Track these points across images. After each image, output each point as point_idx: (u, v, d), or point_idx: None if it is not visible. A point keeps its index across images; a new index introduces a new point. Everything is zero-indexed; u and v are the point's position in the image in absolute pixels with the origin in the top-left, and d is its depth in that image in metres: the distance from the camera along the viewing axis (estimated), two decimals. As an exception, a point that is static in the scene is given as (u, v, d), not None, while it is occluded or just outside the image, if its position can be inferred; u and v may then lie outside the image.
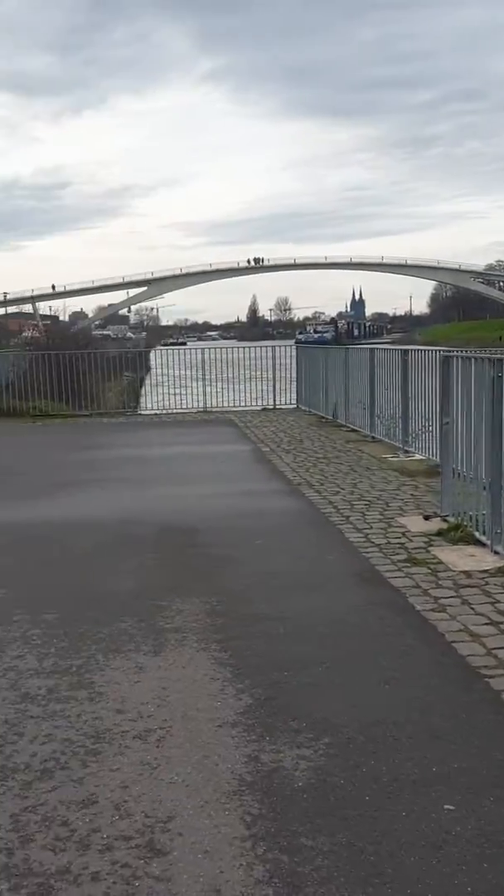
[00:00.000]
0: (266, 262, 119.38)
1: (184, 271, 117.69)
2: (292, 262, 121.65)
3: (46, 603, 5.07)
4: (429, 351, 10.49)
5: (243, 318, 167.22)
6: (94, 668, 4.04)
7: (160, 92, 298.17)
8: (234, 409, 17.98)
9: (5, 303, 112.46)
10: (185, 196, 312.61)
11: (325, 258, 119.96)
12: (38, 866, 2.53)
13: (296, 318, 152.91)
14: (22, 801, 2.89)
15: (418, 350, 11.39)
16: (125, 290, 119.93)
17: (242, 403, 18.35)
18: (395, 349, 12.76)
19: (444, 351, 8.13)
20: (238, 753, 3.19)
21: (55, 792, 2.95)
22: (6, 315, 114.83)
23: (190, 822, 2.74)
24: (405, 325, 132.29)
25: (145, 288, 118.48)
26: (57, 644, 4.36)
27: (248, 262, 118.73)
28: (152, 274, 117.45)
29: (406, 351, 11.60)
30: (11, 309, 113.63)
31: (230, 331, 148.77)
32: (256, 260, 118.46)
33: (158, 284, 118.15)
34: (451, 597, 5.00)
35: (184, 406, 18.42)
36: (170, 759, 3.16)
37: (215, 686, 3.80)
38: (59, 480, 9.59)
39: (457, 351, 7.96)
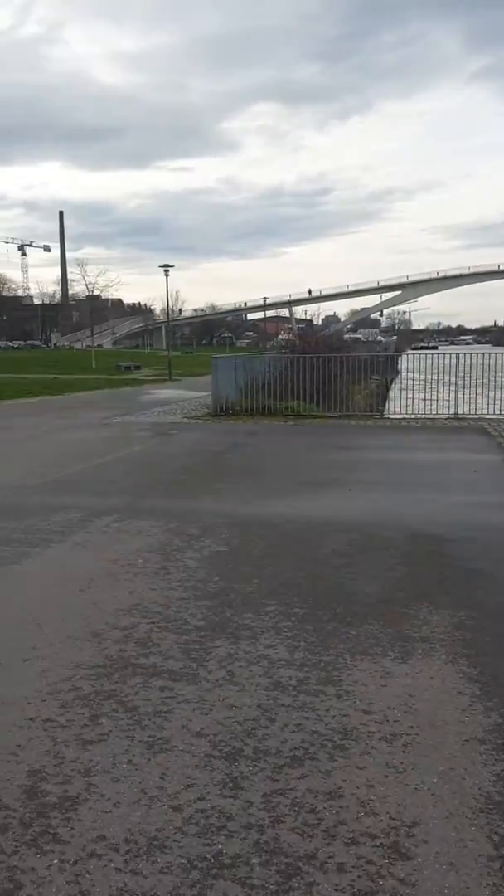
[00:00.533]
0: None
1: (440, 274, 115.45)
2: None
3: (296, 597, 5.26)
4: None
5: (501, 323, 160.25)
6: (341, 666, 4.13)
7: (427, 94, 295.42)
8: (488, 416, 17.36)
9: (265, 307, 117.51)
10: (446, 198, 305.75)
11: None
12: (287, 847, 2.67)
13: None
14: (272, 784, 3.05)
15: None
16: (378, 294, 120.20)
17: (497, 411, 17.65)
18: None
19: None
20: (486, 771, 3.11)
21: (304, 780, 3.08)
22: (265, 319, 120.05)
23: (435, 831, 2.74)
24: None
25: (399, 292, 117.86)
26: (306, 638, 4.51)
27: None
28: (407, 278, 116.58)
29: None
30: (270, 313, 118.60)
31: (485, 335, 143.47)
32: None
33: (413, 288, 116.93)
34: None
35: (432, 411, 18.11)
36: (416, 765, 3.17)
37: (463, 700, 3.73)
38: (307, 479, 9.87)
39: None
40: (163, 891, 2.46)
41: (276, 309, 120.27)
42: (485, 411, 17.83)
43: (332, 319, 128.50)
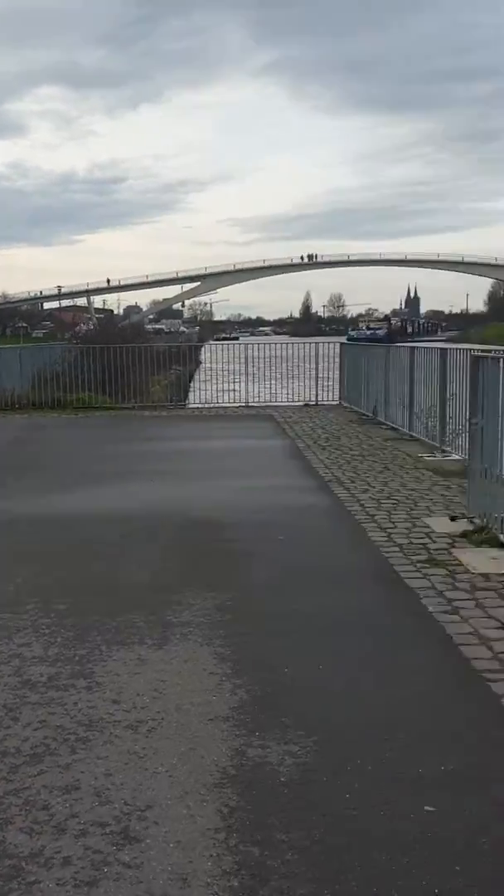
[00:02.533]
0: (320, 259, 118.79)
1: (237, 267, 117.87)
2: (346, 258, 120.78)
3: (61, 593, 5.15)
4: (466, 351, 10.32)
5: (297, 314, 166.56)
6: (96, 658, 4.10)
7: (217, 86, 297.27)
8: (276, 404, 17.97)
9: (59, 296, 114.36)
10: (241, 191, 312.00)
11: (380, 255, 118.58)
12: (13, 849, 2.59)
13: (349, 315, 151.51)
14: (6, 785, 2.96)
15: (456, 350, 11.22)
16: (179, 285, 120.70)
17: (285, 399, 18.34)
18: (434, 349, 12.62)
19: (477, 351, 7.98)
20: (225, 747, 3.21)
21: (41, 777, 3.01)
22: (60, 308, 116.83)
23: (167, 811, 2.78)
24: (461, 323, 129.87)
25: (198, 283, 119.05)
26: (64, 634, 4.43)
27: (302, 258, 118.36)
28: (206, 269, 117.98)
29: (445, 351, 11.48)
30: (65, 302, 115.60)
31: (283, 326, 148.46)
32: (310, 256, 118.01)
33: (212, 280, 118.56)
34: (466, 599, 4.95)
35: (228, 400, 18.53)
36: (157, 749, 3.20)
37: (213, 681, 3.82)
38: (88, 473, 9.69)
39: (494, 352, 7.80)
40: None
41: (73, 298, 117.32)
42: (274, 399, 18.45)
43: (133, 310, 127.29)
